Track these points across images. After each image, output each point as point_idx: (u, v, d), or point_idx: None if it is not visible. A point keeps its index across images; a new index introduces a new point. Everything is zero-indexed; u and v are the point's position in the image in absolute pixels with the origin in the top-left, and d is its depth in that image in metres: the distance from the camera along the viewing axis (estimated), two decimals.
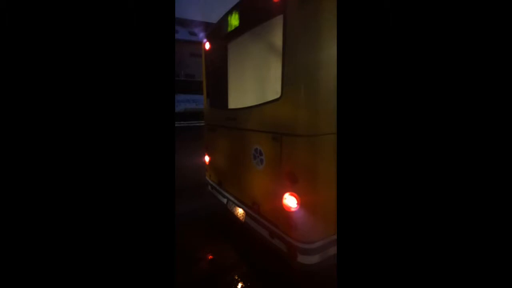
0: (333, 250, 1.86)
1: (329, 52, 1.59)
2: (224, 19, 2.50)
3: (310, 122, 1.68)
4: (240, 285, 2.11)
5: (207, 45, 2.99)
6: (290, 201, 1.79)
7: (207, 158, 3.24)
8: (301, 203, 1.74)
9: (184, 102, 15.19)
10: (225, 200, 2.78)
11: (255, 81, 2.29)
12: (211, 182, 3.15)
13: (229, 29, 2.43)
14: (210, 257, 2.53)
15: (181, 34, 22.43)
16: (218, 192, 2.95)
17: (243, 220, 2.42)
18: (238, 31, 2.32)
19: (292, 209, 1.78)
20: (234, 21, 2.35)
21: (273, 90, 1.90)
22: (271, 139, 1.92)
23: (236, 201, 2.54)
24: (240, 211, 2.48)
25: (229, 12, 2.42)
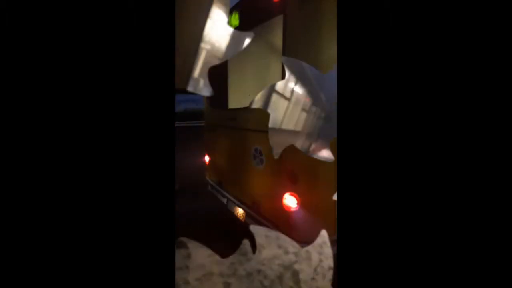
0: (333, 250, 1.86)
1: (329, 52, 1.59)
2: None
3: None
4: None
5: None
6: (290, 201, 1.79)
7: (207, 158, 3.24)
8: (301, 203, 1.74)
9: (184, 102, 15.17)
10: (225, 200, 2.78)
11: (255, 81, 2.29)
12: (211, 182, 3.15)
13: None
14: None
15: None
16: (218, 192, 2.95)
17: (243, 220, 2.42)
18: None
19: (292, 209, 1.78)
20: (234, 21, 2.35)
21: None
22: None
23: (236, 201, 2.54)
24: (240, 211, 2.48)
25: (229, 12, 2.41)
